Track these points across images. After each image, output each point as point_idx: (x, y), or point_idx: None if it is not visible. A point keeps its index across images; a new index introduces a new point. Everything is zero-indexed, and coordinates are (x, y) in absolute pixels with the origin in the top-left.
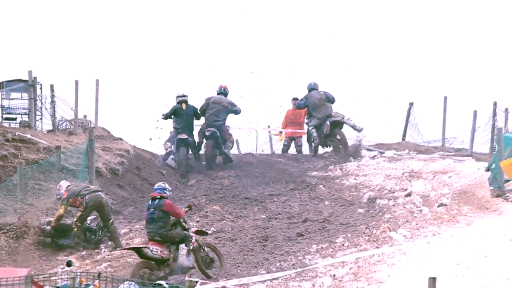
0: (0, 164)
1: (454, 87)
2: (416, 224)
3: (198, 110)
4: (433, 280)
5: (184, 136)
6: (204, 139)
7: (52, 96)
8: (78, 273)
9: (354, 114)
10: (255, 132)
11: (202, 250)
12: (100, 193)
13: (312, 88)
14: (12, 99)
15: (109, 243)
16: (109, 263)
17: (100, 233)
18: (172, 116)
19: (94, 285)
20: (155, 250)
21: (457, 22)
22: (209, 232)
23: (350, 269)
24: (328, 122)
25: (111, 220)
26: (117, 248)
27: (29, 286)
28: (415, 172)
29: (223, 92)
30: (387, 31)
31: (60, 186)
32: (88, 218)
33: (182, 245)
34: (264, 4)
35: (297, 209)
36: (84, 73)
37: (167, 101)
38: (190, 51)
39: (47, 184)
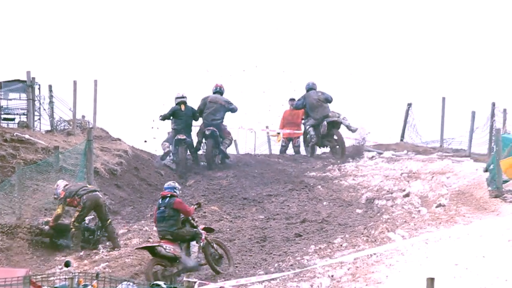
0: None
1: (452, 87)
2: (414, 224)
3: (196, 111)
4: (431, 281)
5: (182, 136)
6: (204, 139)
7: (51, 96)
8: (76, 274)
9: (353, 115)
10: (253, 132)
11: (211, 247)
12: (97, 193)
13: (310, 88)
14: (11, 99)
15: (107, 243)
16: (107, 263)
17: (98, 233)
18: (171, 117)
19: (92, 286)
20: (168, 248)
21: (455, 23)
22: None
23: (348, 269)
24: (325, 122)
25: (109, 220)
26: (135, 248)
27: (27, 286)
28: (414, 173)
29: (219, 91)
30: (386, 31)
31: (57, 185)
32: (87, 218)
33: (193, 243)
34: (263, 4)
35: (295, 210)
36: (83, 74)
37: (165, 102)
38: (188, 51)
39: (45, 184)
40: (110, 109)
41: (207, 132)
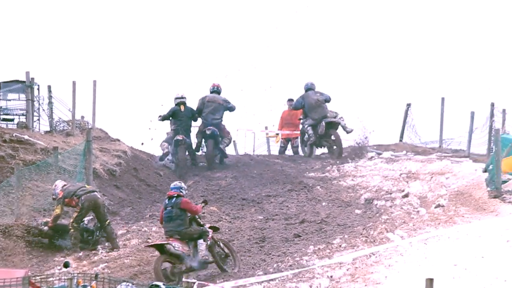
0: None
1: (451, 88)
2: (413, 225)
3: (195, 112)
4: (430, 281)
5: (181, 137)
6: (204, 139)
7: (50, 97)
8: (75, 274)
9: (352, 115)
10: (252, 133)
11: (217, 246)
12: (96, 193)
13: (309, 88)
14: (10, 100)
15: (106, 244)
16: (106, 264)
17: (97, 234)
18: (170, 118)
19: (91, 286)
20: (177, 246)
21: (454, 23)
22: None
23: (347, 270)
24: (323, 123)
25: (108, 221)
26: (144, 245)
27: (26, 287)
28: (413, 173)
29: (216, 90)
30: (385, 32)
31: (55, 185)
32: (85, 218)
33: (200, 241)
34: (263, 4)
35: (294, 210)
36: (82, 74)
37: (164, 102)
38: (187, 52)
39: (44, 185)
40: (109, 109)
41: (208, 132)
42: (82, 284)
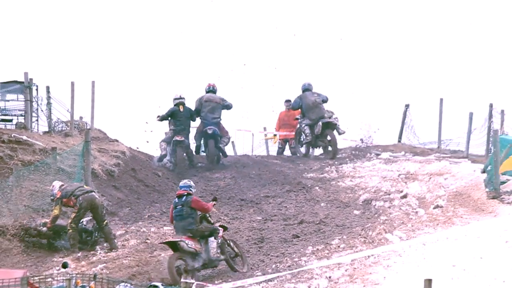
0: None
1: (450, 88)
2: (412, 226)
3: (194, 112)
4: (428, 282)
5: (180, 138)
6: (204, 139)
7: (48, 97)
8: (74, 275)
9: (351, 115)
10: (251, 134)
11: (227, 245)
12: (93, 193)
13: (306, 88)
14: (8, 100)
15: (105, 244)
16: (104, 264)
17: (96, 235)
18: (169, 118)
19: (89, 287)
20: (190, 244)
21: (453, 24)
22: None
23: (345, 270)
24: (320, 123)
25: (106, 221)
26: (158, 243)
27: (24, 287)
28: (411, 174)
29: (212, 90)
30: (384, 32)
31: (53, 186)
32: (84, 219)
33: (211, 239)
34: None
35: (293, 211)
36: (80, 75)
37: (162, 103)
38: (186, 52)
39: (43, 185)
40: (108, 110)
41: (209, 132)
42: (81, 284)
